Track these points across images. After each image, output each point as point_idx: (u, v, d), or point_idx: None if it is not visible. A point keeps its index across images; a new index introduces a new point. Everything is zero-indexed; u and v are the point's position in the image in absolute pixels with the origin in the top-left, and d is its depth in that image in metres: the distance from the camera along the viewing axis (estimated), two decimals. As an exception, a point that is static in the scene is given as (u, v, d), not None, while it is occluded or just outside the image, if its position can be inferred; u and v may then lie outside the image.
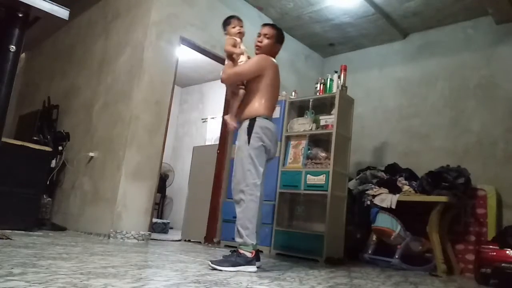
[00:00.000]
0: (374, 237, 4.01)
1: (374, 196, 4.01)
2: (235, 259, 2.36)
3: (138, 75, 3.89)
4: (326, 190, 3.63)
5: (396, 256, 3.71)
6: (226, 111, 2.90)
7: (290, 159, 4.08)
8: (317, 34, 5.49)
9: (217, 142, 4.74)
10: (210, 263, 2.32)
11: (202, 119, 7.43)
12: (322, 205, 3.68)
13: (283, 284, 2.05)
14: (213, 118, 7.04)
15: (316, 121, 4.00)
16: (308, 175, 3.80)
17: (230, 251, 2.58)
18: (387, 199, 3.88)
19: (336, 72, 4.07)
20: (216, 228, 4.36)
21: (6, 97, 1.64)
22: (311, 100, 4.13)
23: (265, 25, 2.85)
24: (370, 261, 3.90)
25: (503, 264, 3.04)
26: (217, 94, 6.57)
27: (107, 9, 4.73)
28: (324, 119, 3.92)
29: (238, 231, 2.46)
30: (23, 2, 1.61)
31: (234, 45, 2.75)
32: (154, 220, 5.04)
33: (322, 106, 4.07)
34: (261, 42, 2.75)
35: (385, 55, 5.46)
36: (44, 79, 5.76)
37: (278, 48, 2.83)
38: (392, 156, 4.84)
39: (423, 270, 3.68)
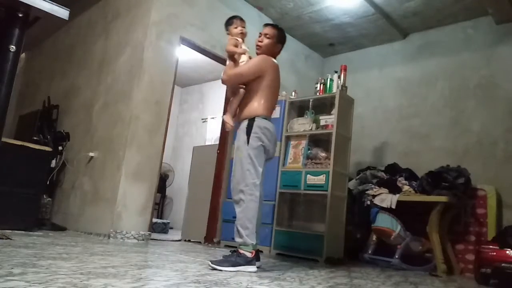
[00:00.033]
0: (374, 237, 4.01)
1: (374, 196, 4.01)
2: (235, 259, 2.36)
3: (138, 75, 3.89)
4: (326, 190, 3.64)
5: (396, 256, 3.71)
6: (226, 111, 2.89)
7: (290, 159, 4.08)
8: (317, 34, 5.49)
9: (217, 142, 4.74)
10: (210, 263, 2.32)
11: (202, 119, 7.43)
12: (322, 205, 3.69)
13: (283, 284, 2.04)
14: (213, 118, 7.04)
15: (316, 121, 4.00)
16: (308, 175, 3.81)
17: (230, 251, 2.57)
18: (387, 199, 3.88)
19: (336, 72, 4.07)
20: (216, 228, 4.36)
21: (6, 97, 1.64)
22: (311, 100, 4.13)
23: (266, 25, 2.85)
24: (370, 261, 3.90)
25: (503, 264, 3.04)
26: (217, 94, 6.57)
27: (107, 9, 4.73)
28: (324, 119, 3.93)
29: (238, 231, 2.46)
30: (23, 2, 1.61)
31: (236, 46, 2.75)
32: (154, 220, 5.04)
33: (322, 106, 4.08)
34: (261, 41, 2.76)
35: (385, 55, 5.45)
36: (44, 79, 5.76)
37: (279, 48, 2.83)
38: (392, 156, 4.84)
39: (423, 270, 3.68)
